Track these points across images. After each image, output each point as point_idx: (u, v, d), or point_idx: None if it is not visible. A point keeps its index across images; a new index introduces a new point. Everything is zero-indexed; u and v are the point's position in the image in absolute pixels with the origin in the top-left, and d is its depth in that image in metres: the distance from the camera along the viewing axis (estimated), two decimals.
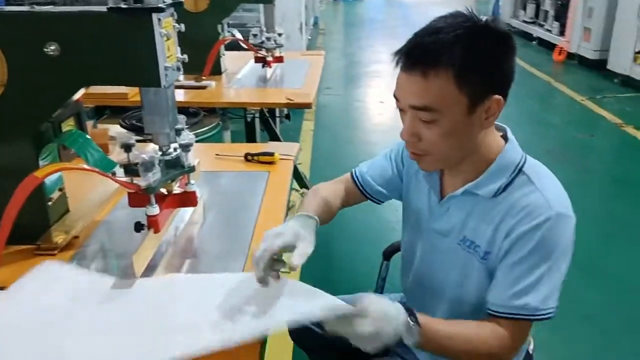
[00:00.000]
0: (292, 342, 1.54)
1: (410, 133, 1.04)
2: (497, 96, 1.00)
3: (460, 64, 0.96)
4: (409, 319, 0.95)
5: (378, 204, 1.37)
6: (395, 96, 1.05)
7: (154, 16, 1.04)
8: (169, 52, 1.13)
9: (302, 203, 1.23)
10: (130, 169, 1.13)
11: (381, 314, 0.93)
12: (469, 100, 0.98)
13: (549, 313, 1.03)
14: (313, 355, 1.56)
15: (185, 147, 1.19)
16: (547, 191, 1.04)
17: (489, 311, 1.06)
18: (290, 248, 1.00)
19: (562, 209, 1.03)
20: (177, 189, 1.24)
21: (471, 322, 1.06)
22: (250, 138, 2.94)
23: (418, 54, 0.99)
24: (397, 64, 1.02)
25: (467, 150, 1.07)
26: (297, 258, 0.99)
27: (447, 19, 1.00)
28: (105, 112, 2.60)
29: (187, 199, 1.25)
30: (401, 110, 1.06)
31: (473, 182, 1.09)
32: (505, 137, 1.12)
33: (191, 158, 1.20)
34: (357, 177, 1.35)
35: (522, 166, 1.08)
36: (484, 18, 1.00)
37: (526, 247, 1.02)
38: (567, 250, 1.04)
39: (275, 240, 0.99)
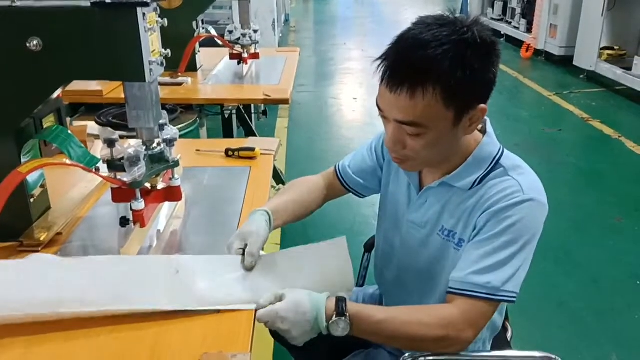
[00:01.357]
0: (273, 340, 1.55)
1: (395, 142, 1.04)
2: (482, 105, 1.01)
3: (448, 81, 0.94)
4: (334, 314, 0.96)
5: (361, 197, 1.38)
6: (378, 105, 1.03)
7: (139, 11, 1.04)
8: (153, 47, 1.13)
9: (271, 198, 1.30)
10: (115, 165, 1.13)
11: (293, 303, 0.97)
12: (455, 113, 0.99)
13: (509, 297, 1.00)
14: (294, 352, 1.56)
15: (170, 142, 1.20)
16: (523, 180, 1.05)
17: (448, 290, 1.03)
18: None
19: (537, 196, 1.03)
20: (161, 183, 1.24)
21: (420, 306, 1.04)
22: (228, 134, 2.93)
23: (405, 71, 0.96)
24: (382, 76, 0.99)
25: (449, 153, 1.08)
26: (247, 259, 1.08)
27: (432, 28, 0.96)
28: (79, 109, 2.56)
29: (172, 194, 1.25)
30: (384, 117, 1.05)
31: (450, 175, 1.11)
32: (484, 129, 1.14)
33: (174, 153, 1.21)
34: (338, 169, 1.37)
35: (499, 159, 1.09)
36: (467, 21, 0.98)
37: (497, 226, 1.01)
38: (534, 238, 1.03)
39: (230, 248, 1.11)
